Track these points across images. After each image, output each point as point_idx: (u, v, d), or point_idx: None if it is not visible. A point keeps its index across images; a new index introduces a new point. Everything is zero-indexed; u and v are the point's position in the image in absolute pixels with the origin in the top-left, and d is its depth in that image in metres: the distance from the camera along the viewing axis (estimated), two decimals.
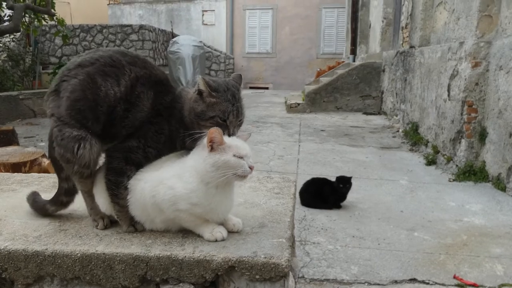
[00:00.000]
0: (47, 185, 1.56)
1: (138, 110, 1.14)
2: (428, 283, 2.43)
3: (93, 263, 1.05)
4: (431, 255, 2.73)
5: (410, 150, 5.64)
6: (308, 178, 3.64)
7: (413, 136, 5.88)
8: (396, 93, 7.56)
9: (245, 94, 13.74)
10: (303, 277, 2.47)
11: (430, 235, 3.01)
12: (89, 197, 1.20)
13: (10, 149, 4.12)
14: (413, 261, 2.66)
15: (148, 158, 1.16)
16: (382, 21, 9.31)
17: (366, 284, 2.45)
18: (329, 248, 2.82)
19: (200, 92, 1.13)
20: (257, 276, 0.99)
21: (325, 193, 3.43)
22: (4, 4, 6.82)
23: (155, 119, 1.15)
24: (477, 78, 4.23)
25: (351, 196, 3.56)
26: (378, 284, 2.44)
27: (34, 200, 1.31)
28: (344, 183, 3.41)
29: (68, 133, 1.10)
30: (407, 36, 7.04)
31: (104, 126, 1.13)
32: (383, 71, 8.75)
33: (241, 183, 1.37)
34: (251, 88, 16.28)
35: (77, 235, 1.14)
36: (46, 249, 1.06)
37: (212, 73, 15.26)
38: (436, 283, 2.41)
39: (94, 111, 1.12)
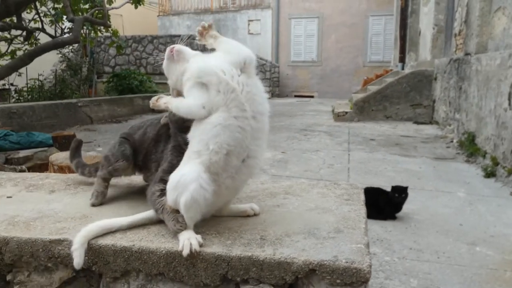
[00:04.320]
0: (122, 185, 1.65)
1: (159, 145, 1.43)
2: None
3: (176, 260, 1.09)
4: (495, 271, 2.60)
5: (466, 161, 5.41)
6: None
7: (469, 147, 5.64)
8: (450, 102, 7.29)
9: (290, 102, 13.76)
10: None
11: (493, 250, 2.87)
12: None
13: None
14: (476, 276, 2.54)
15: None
16: (433, 28, 9.05)
17: None
18: (386, 260, 2.76)
19: None
20: (338, 281, 1.00)
21: (380, 203, 3.35)
22: (64, 17, 7.27)
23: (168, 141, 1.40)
24: None
25: (405, 207, 3.46)
26: None
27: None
28: (400, 193, 3.33)
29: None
30: (462, 43, 6.79)
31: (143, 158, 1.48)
32: (435, 79, 8.48)
33: None
34: (296, 96, 16.28)
35: (159, 233, 1.20)
36: (133, 245, 1.12)
37: None
38: None
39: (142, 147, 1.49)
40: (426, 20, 9.87)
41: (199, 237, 1.11)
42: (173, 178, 1.15)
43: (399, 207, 3.39)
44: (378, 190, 3.45)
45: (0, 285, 1.28)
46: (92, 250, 1.14)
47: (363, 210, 1.33)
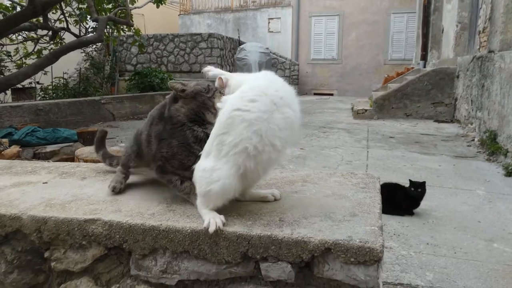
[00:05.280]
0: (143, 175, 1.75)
1: (151, 146, 1.43)
2: None
3: (201, 238, 1.17)
4: None
5: (487, 160, 5.35)
6: None
7: (491, 145, 5.57)
8: (472, 100, 7.20)
9: (310, 100, 13.75)
10: (382, 285, 2.47)
11: (511, 247, 2.87)
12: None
13: None
14: (493, 272, 2.55)
15: (176, 161, 1.37)
16: (457, 26, 8.93)
17: None
18: (402, 254, 2.79)
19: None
20: (352, 259, 1.06)
21: (397, 199, 3.37)
22: (88, 17, 7.47)
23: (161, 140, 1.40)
24: None
25: (424, 204, 3.47)
26: None
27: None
28: (417, 187, 3.34)
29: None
30: (485, 41, 6.69)
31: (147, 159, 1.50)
32: (457, 77, 8.37)
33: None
34: (315, 94, 16.26)
35: (184, 214, 1.29)
36: (161, 224, 1.21)
37: None
38: None
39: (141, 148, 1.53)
40: (450, 17, 9.74)
41: (222, 217, 1.19)
42: (205, 173, 1.21)
43: (416, 203, 3.40)
44: (396, 186, 3.47)
45: (38, 262, 1.38)
46: (123, 229, 1.24)
47: (378, 197, 1.38)
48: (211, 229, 1.14)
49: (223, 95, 1.37)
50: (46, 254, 1.35)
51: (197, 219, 1.23)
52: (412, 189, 3.34)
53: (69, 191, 1.55)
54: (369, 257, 1.05)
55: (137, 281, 1.27)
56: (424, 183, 3.38)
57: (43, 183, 1.67)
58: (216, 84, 1.41)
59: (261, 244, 1.13)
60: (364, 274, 1.06)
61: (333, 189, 1.48)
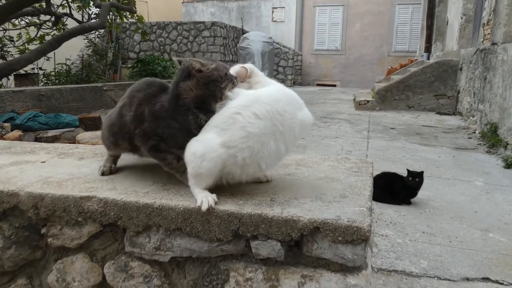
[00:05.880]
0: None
1: (146, 122, 1.37)
2: (502, 283, 2.35)
3: (193, 216, 1.20)
4: (506, 256, 2.63)
5: (487, 152, 5.36)
6: (377, 174, 3.62)
7: (491, 138, 5.57)
8: (474, 93, 7.17)
9: (312, 90, 13.72)
10: (371, 266, 2.50)
11: (506, 237, 2.89)
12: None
13: (99, 133, 4.55)
14: (487, 261, 2.57)
15: (172, 141, 1.35)
16: (461, 18, 8.86)
17: (436, 278, 2.42)
18: (398, 242, 2.81)
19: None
20: (340, 238, 1.08)
21: (395, 188, 3.39)
22: (91, 3, 7.44)
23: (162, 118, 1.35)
24: None
25: (421, 194, 3.49)
26: (449, 280, 2.40)
27: None
28: (415, 177, 3.36)
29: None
30: (489, 33, 6.65)
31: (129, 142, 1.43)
32: (460, 69, 8.33)
33: None
34: (318, 85, 16.21)
35: (178, 193, 1.31)
36: (154, 202, 1.24)
37: (280, 69, 15.42)
38: (511, 283, 2.33)
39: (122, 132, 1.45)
40: (455, 9, 9.66)
41: (214, 196, 1.22)
42: (197, 149, 1.23)
43: (414, 192, 3.42)
44: (393, 175, 3.49)
45: (35, 238, 1.41)
46: (117, 206, 1.26)
47: (369, 181, 1.40)
48: (204, 207, 1.16)
49: (235, 86, 1.34)
50: (43, 230, 1.38)
51: (190, 198, 1.26)
52: (410, 178, 3.36)
53: (67, 170, 1.58)
54: (357, 236, 1.07)
55: (131, 258, 1.30)
56: (422, 173, 3.40)
57: (41, 162, 1.69)
58: (237, 71, 1.37)
59: (251, 222, 1.15)
60: (352, 253, 1.08)
61: (326, 172, 1.50)
